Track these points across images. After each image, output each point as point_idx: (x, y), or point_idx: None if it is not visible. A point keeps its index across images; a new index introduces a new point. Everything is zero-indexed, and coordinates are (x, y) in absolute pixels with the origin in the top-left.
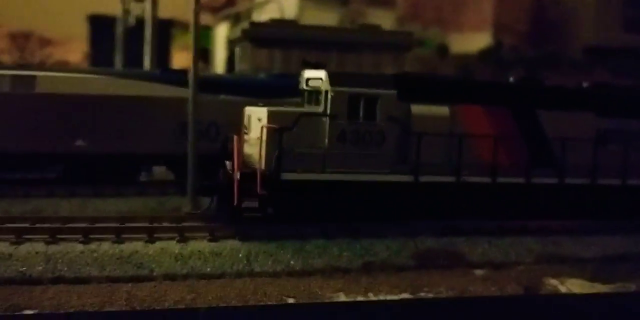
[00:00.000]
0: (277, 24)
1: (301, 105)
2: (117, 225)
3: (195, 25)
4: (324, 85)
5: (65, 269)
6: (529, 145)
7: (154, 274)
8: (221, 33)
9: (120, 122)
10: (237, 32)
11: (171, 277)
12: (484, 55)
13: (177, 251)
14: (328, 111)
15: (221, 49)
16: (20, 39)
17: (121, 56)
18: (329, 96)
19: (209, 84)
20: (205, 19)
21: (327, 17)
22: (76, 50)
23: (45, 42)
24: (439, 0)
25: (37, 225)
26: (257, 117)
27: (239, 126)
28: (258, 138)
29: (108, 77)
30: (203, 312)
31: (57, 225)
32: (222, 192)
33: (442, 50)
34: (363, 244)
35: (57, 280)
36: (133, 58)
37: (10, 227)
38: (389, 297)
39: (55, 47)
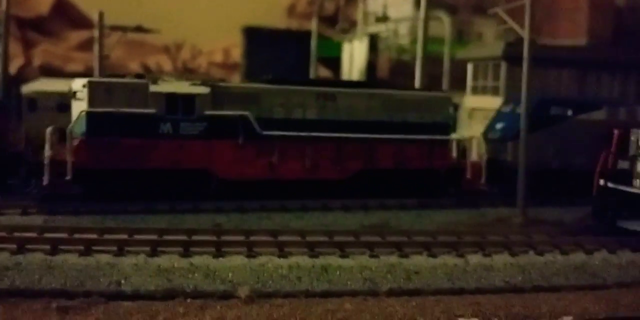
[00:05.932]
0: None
1: None
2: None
3: None
4: None
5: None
6: None
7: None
8: (357, 46)
9: None
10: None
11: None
12: None
13: None
14: None
15: (358, 60)
16: (174, 50)
17: None
18: None
19: None
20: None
21: (437, 26)
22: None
23: (197, 52)
24: (532, 10)
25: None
26: None
27: None
28: None
29: None
30: None
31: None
32: None
33: None
34: None
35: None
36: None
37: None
38: None
39: (204, 57)
